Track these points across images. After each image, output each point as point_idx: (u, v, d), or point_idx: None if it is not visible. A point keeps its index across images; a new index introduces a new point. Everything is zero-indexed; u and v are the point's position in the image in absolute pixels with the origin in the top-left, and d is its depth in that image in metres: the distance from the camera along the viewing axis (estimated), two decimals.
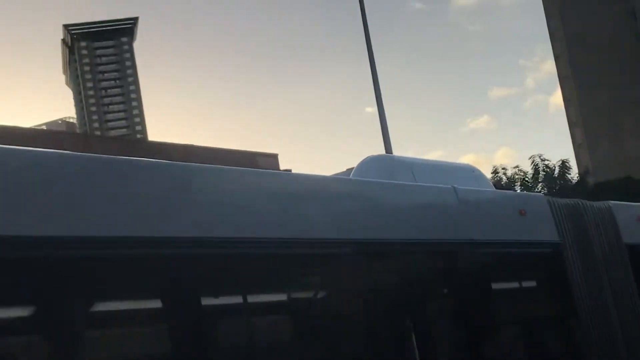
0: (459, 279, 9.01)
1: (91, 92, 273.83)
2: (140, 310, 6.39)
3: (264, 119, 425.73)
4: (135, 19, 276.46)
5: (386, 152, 21.45)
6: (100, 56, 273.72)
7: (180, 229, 6.52)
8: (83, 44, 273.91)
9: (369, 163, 10.11)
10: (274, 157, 42.62)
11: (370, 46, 26.93)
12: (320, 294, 7.95)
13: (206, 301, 6.77)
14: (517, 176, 53.24)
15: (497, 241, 9.63)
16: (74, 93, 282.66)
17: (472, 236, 9.26)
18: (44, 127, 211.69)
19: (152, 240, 6.27)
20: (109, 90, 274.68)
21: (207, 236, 6.67)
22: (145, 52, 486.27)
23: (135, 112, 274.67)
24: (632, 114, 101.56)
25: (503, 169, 53.50)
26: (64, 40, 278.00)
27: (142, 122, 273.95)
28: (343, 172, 10.58)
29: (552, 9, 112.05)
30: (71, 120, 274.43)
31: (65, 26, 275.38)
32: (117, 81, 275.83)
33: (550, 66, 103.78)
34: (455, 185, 9.53)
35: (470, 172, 10.96)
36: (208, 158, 40.44)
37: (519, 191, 50.47)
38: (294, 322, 7.58)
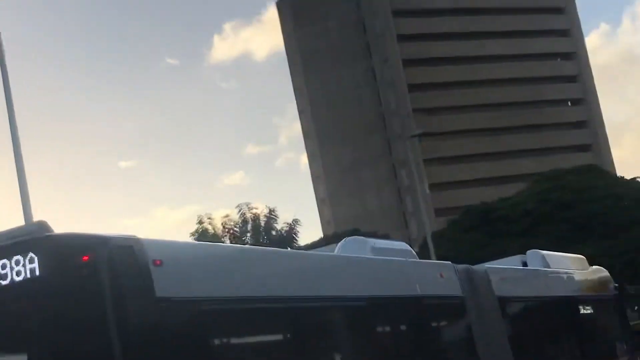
0: (414, 319, 14.21)
1: None
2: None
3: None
4: None
5: (24, 215, 22.66)
6: None
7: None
8: None
9: (349, 243, 14.70)
10: None
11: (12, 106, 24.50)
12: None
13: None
14: (227, 226, 50.99)
15: (431, 295, 14.56)
16: None
17: (419, 292, 14.20)
18: None
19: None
20: None
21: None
22: None
23: None
24: (371, 170, 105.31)
25: (209, 218, 50.92)
26: None
27: None
28: (325, 247, 15.65)
29: (296, 66, 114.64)
30: None
31: None
32: None
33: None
34: (406, 259, 14.79)
35: (407, 249, 15.64)
36: None
37: (233, 243, 49.49)
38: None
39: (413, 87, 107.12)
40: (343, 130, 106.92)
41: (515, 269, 20.42)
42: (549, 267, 21.21)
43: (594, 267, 24.82)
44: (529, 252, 21.59)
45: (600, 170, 60.87)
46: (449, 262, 16.13)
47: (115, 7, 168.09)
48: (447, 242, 52.29)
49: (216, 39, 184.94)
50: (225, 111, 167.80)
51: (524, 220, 52.67)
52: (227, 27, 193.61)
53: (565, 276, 22.04)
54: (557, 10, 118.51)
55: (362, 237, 15.92)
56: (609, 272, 25.07)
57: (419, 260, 15.95)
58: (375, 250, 14.61)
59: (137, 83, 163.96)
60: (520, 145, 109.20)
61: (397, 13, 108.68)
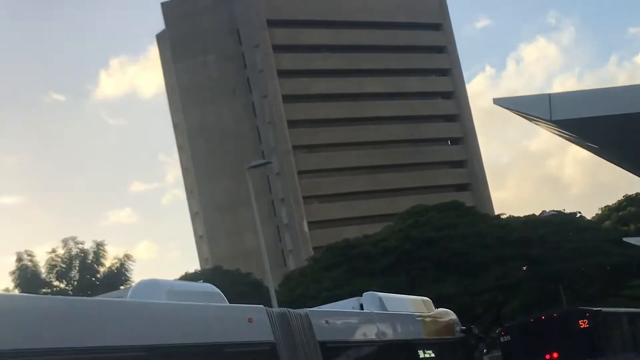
0: None
1: None
2: None
3: None
4: None
5: None
6: None
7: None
8: None
9: (141, 287, 13.98)
10: None
11: None
12: None
13: None
14: (53, 262, 47.53)
15: (234, 342, 13.84)
16: None
17: (219, 339, 13.50)
18: None
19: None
20: None
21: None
22: None
23: None
24: (249, 208, 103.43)
25: (29, 255, 47.13)
26: None
27: None
28: (116, 292, 15.18)
29: (174, 101, 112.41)
30: None
31: None
32: None
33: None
34: (208, 303, 14.01)
35: (212, 292, 14.97)
36: None
37: (59, 281, 47.36)
38: None
39: (292, 124, 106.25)
40: (221, 167, 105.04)
41: (343, 312, 19.50)
42: (386, 310, 20.35)
43: (440, 309, 24.04)
44: (365, 294, 20.74)
45: (465, 208, 60.36)
46: (262, 306, 15.45)
47: (1, 39, 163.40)
48: (309, 280, 50.89)
49: (103, 74, 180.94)
50: (112, 148, 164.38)
51: (384, 258, 51.32)
52: (114, 63, 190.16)
53: (403, 319, 21.19)
54: (438, 50, 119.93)
55: (156, 280, 14.95)
56: (469, 311, 24.29)
57: (224, 304, 15.00)
58: (172, 294, 13.84)
59: (21, 117, 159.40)
60: (399, 183, 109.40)
61: (278, 48, 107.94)
